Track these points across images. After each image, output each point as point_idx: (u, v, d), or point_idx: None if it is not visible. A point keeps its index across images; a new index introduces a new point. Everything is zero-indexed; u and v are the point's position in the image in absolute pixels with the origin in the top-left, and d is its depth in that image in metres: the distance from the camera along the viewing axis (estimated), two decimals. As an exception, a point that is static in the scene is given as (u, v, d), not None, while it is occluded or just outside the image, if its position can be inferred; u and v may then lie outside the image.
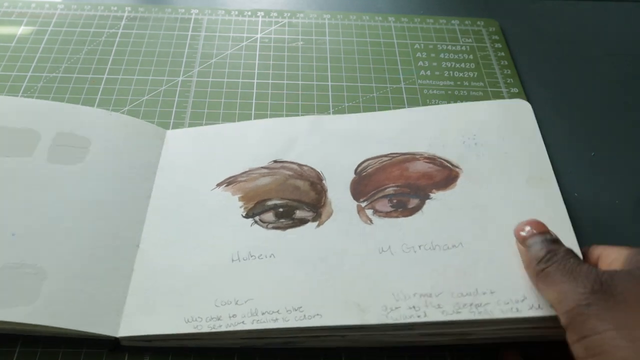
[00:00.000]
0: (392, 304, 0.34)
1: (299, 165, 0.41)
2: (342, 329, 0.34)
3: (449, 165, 0.41)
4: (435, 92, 0.53)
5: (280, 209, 0.39)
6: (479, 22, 0.61)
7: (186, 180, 0.42)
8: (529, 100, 0.51)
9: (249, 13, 0.59)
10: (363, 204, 0.39)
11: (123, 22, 0.57)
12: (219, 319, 0.34)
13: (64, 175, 0.40)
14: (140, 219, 0.40)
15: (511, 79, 0.54)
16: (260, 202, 0.39)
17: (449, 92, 0.53)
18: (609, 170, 0.48)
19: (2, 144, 0.41)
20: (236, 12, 0.59)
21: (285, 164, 0.42)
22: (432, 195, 0.39)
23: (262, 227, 0.38)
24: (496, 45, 0.58)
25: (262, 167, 0.42)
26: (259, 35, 0.57)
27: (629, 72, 0.56)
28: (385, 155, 0.41)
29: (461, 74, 0.55)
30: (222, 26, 0.57)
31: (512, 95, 0.52)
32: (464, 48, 0.58)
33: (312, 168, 0.41)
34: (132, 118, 0.45)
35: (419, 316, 0.33)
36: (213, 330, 0.34)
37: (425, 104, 0.51)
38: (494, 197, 0.39)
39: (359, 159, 0.42)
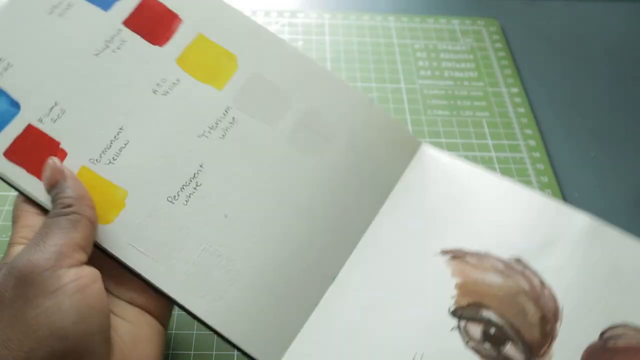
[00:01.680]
0: None
1: (542, 283, 0.33)
2: None
3: None
4: (435, 92, 0.53)
5: (492, 329, 0.33)
6: (479, 22, 0.60)
7: (415, 222, 0.36)
8: (528, 100, 0.52)
9: (249, 13, 0.58)
10: None
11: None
12: None
13: (295, 165, 0.35)
14: (349, 249, 0.35)
15: (511, 79, 0.54)
16: (474, 305, 0.33)
17: (449, 92, 0.53)
18: (609, 170, 0.48)
19: (256, 99, 0.36)
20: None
21: (527, 272, 0.34)
22: None
23: (462, 340, 0.33)
24: (496, 45, 0.58)
25: (499, 260, 0.34)
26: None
27: (629, 72, 0.56)
28: None
29: (461, 74, 0.55)
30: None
31: (512, 95, 0.53)
32: (464, 48, 0.57)
33: (554, 296, 0.33)
34: (390, 116, 0.38)
35: None
36: None
37: (425, 104, 0.51)
38: None
39: (616, 317, 0.32)
